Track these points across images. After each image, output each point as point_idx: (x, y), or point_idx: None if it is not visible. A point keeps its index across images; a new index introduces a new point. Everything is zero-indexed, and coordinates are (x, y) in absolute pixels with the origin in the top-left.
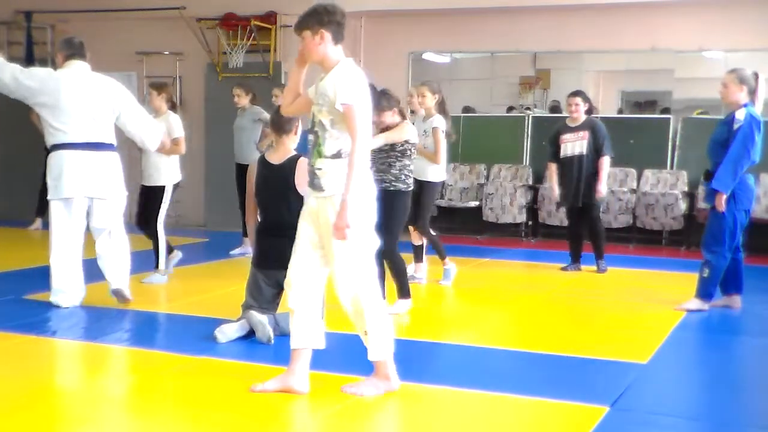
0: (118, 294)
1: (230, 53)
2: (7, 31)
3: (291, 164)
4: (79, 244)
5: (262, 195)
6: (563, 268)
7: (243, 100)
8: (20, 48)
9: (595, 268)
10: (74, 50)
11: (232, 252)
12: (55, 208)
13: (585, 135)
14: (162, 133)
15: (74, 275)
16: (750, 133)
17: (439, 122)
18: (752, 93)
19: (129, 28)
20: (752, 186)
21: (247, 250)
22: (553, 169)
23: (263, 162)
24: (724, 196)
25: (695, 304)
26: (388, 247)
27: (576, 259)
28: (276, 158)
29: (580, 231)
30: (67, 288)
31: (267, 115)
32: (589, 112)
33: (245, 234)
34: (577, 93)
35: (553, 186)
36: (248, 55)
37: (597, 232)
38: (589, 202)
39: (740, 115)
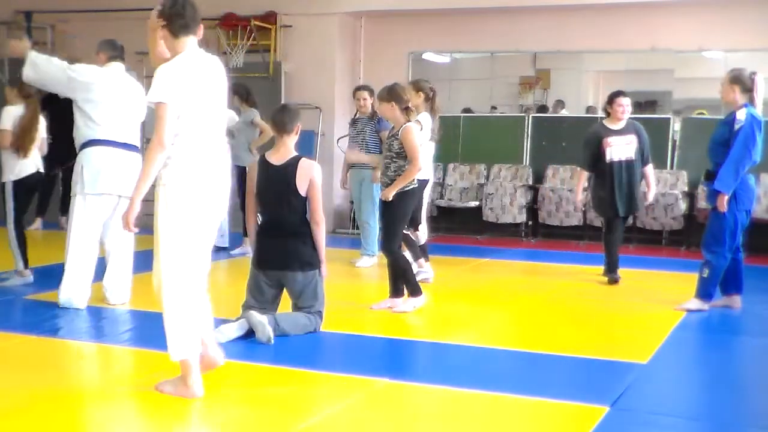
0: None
1: (230, 53)
2: (7, 31)
3: (292, 165)
4: (97, 243)
5: (263, 195)
6: (611, 282)
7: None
8: None
9: (603, 270)
10: (117, 52)
11: (232, 252)
12: (84, 203)
13: (632, 139)
14: None
15: (88, 275)
16: (751, 134)
17: (422, 118)
18: (750, 92)
19: (129, 28)
20: (753, 186)
21: (246, 249)
22: (583, 176)
23: (264, 162)
24: (726, 197)
25: (695, 304)
26: (387, 248)
27: (616, 269)
28: (277, 158)
29: (620, 239)
30: (80, 288)
31: (259, 119)
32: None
33: (245, 234)
34: (625, 94)
35: (578, 190)
36: (248, 55)
37: (619, 243)
38: (634, 213)
39: (741, 115)
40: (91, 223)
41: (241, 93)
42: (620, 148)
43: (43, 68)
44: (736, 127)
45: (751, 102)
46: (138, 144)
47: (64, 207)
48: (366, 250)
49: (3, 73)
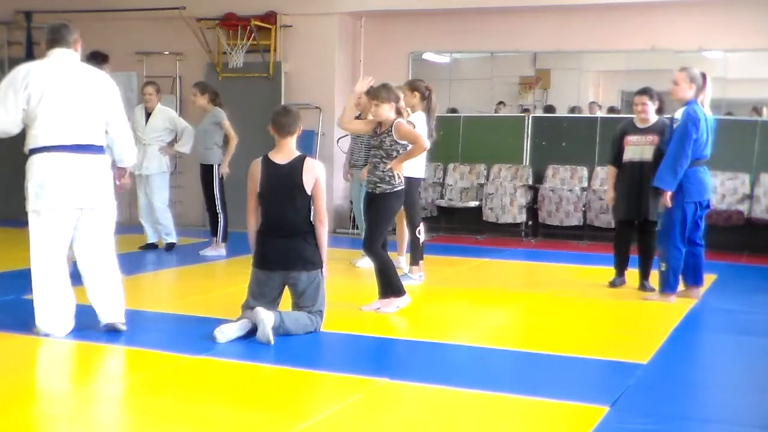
0: (110, 327)
1: (230, 53)
2: (7, 31)
3: (298, 164)
4: (63, 263)
5: (267, 195)
6: (611, 284)
7: (200, 100)
8: (20, 48)
9: (637, 286)
10: (56, 35)
11: (201, 252)
12: (37, 220)
13: (655, 139)
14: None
15: (61, 300)
16: (686, 131)
17: (417, 118)
18: (699, 91)
19: (129, 28)
20: (703, 179)
21: (219, 251)
22: (612, 172)
23: (268, 162)
24: (668, 193)
25: (657, 296)
26: (370, 247)
27: (622, 272)
28: (281, 158)
29: (630, 243)
30: (54, 317)
31: (227, 122)
32: (659, 111)
33: (214, 233)
34: (644, 91)
35: (608, 188)
36: (248, 55)
37: (650, 250)
38: (649, 218)
39: (678, 114)
40: (48, 242)
41: (210, 90)
42: (635, 148)
43: None
44: (675, 125)
45: (699, 101)
46: (98, 142)
47: None
48: None
49: (3, 73)
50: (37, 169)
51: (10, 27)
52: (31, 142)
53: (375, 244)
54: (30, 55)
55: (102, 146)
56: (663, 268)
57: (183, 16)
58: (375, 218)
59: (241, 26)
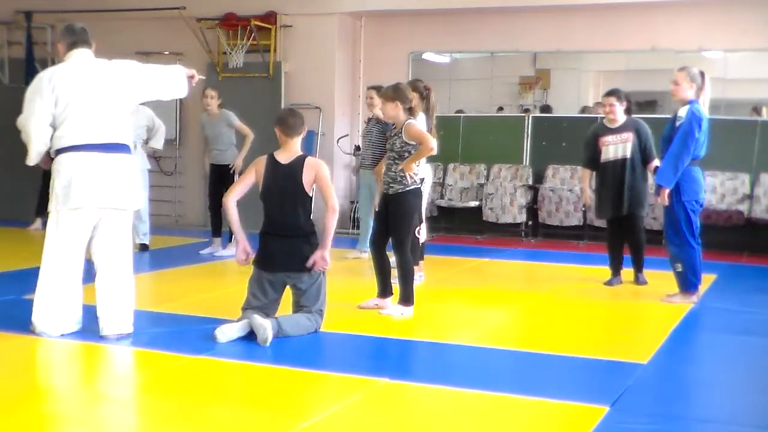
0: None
1: (230, 53)
2: (7, 31)
3: (299, 163)
4: (76, 266)
5: (269, 194)
6: (606, 283)
7: (215, 102)
8: (20, 48)
9: (632, 279)
10: (76, 37)
11: (201, 252)
12: (57, 220)
13: (629, 137)
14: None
15: (64, 302)
16: (690, 130)
17: (417, 118)
18: (699, 90)
19: (129, 28)
20: (698, 178)
21: (216, 250)
22: (585, 174)
23: (273, 160)
24: (667, 191)
25: (680, 298)
26: (400, 248)
27: (618, 271)
28: (285, 158)
29: (621, 241)
30: (53, 316)
31: (239, 121)
32: (627, 111)
33: (215, 234)
34: (611, 92)
35: (584, 189)
36: (248, 55)
37: (639, 244)
38: (635, 212)
39: (682, 112)
40: (65, 242)
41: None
42: (614, 147)
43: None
44: (677, 123)
45: (697, 100)
46: (125, 141)
47: (40, 208)
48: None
49: (3, 73)
50: (64, 168)
51: (10, 27)
52: (57, 143)
53: (404, 246)
54: (30, 55)
55: (128, 145)
56: (679, 269)
57: (183, 16)
58: (396, 219)
59: (241, 26)
